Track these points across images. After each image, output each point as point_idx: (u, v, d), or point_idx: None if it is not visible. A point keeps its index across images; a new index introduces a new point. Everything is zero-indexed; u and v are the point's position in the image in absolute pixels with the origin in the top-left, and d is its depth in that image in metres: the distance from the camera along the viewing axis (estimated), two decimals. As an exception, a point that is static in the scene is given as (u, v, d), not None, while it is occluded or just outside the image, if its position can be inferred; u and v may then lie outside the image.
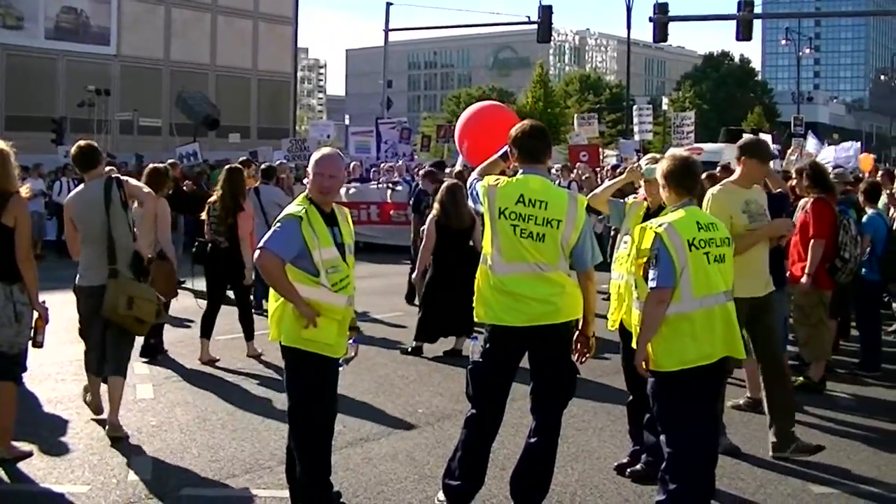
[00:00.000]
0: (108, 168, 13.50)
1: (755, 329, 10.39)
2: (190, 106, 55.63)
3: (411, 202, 21.19)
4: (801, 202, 13.90)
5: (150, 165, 15.90)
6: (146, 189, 12.14)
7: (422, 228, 17.77)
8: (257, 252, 7.96)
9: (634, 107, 52.11)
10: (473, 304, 8.51)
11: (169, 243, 14.73)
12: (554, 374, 8.37)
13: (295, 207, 8.16)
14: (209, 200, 15.76)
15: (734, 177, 10.73)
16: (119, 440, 10.76)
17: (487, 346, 8.40)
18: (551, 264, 8.21)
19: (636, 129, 47.06)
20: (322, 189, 8.23)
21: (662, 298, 7.83)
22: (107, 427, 10.94)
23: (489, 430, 8.48)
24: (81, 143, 11.63)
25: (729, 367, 8.53)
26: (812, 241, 12.85)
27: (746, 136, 12.41)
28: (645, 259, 8.00)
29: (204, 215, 15.83)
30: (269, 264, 7.91)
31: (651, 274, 7.87)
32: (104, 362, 11.15)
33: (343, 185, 9.21)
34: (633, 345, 8.30)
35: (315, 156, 8.46)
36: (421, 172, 22.99)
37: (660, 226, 7.90)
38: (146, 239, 13.08)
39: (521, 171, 8.42)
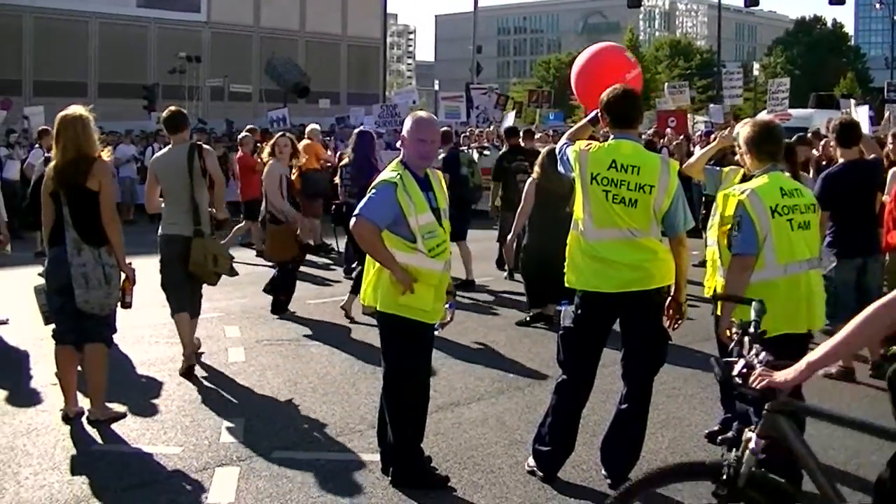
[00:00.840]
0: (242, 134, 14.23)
1: None
2: (280, 73, 56.04)
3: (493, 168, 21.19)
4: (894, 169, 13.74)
5: (277, 135, 16.98)
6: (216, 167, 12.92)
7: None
8: (353, 220, 7.97)
9: (724, 71, 51.62)
10: (565, 270, 8.47)
11: (282, 207, 15.42)
12: (645, 340, 8.32)
13: (389, 173, 8.17)
14: (341, 164, 16.21)
15: None
16: (200, 355, 12.80)
17: (579, 311, 8.33)
18: (643, 230, 8.14)
19: (725, 93, 46.61)
20: (422, 154, 8.26)
21: (745, 265, 7.78)
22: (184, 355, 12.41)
23: (580, 396, 8.45)
24: (172, 108, 12.81)
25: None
26: None
27: None
28: (728, 226, 7.94)
29: (337, 178, 16.46)
30: (365, 231, 7.93)
31: (734, 241, 7.82)
32: (187, 302, 12.42)
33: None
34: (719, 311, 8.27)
35: (415, 121, 8.43)
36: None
37: (742, 192, 7.83)
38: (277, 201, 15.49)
39: (612, 136, 8.35)
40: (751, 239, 7.70)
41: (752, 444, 5.22)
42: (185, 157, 12.15)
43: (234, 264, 12.70)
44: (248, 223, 22.32)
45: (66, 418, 10.12)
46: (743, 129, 8.42)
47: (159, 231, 12.45)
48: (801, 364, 5.05)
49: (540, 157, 15.28)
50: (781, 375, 5.09)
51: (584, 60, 9.84)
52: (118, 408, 10.40)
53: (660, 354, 8.45)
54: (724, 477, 5.20)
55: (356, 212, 7.98)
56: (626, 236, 8.11)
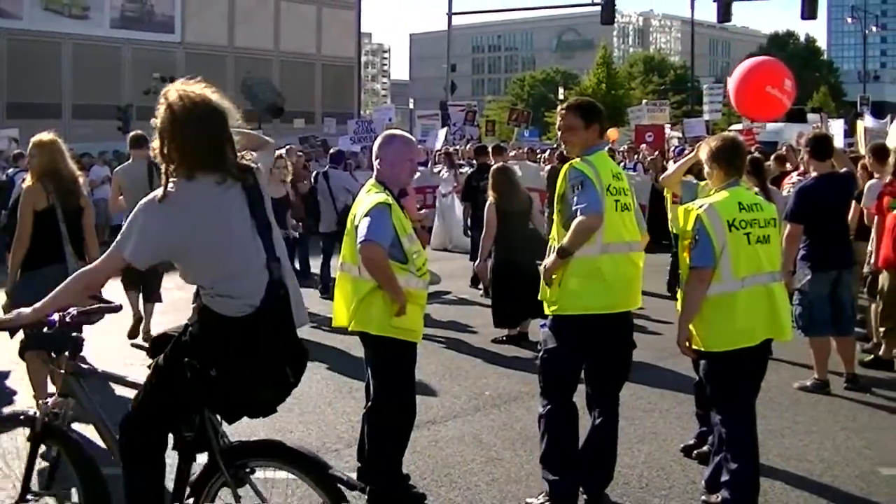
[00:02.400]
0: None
1: None
2: (255, 93, 55.97)
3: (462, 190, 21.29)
4: (870, 182, 13.87)
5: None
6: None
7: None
8: (364, 244, 7.80)
9: (705, 85, 51.92)
10: (552, 298, 8.20)
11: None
12: (622, 356, 8.35)
13: (379, 195, 8.10)
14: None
15: None
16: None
17: (569, 336, 8.15)
18: (636, 242, 8.23)
19: (706, 108, 46.88)
20: (412, 173, 8.33)
21: (702, 278, 7.83)
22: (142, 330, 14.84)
23: (573, 419, 8.33)
24: (136, 132, 15.45)
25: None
26: None
27: None
28: (689, 240, 7.99)
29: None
30: (378, 255, 7.80)
31: (691, 254, 7.89)
32: (143, 292, 14.93)
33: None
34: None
35: (405, 142, 8.52)
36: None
37: (700, 207, 7.91)
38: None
39: (595, 146, 8.29)
40: (707, 252, 7.75)
41: (49, 401, 6.55)
42: (146, 171, 14.40)
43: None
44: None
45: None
46: (708, 144, 8.44)
47: None
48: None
49: (491, 179, 15.30)
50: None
51: (740, 72, 9.94)
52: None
53: (629, 368, 8.51)
54: (34, 424, 6.48)
55: (365, 237, 7.80)
56: (625, 251, 8.13)
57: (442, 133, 37.70)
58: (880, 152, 14.25)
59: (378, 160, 8.35)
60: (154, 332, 13.60)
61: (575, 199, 7.83)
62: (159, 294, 15.20)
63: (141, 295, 15.09)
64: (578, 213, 7.75)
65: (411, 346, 8.23)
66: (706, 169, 8.37)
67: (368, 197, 8.14)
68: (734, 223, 7.84)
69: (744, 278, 7.84)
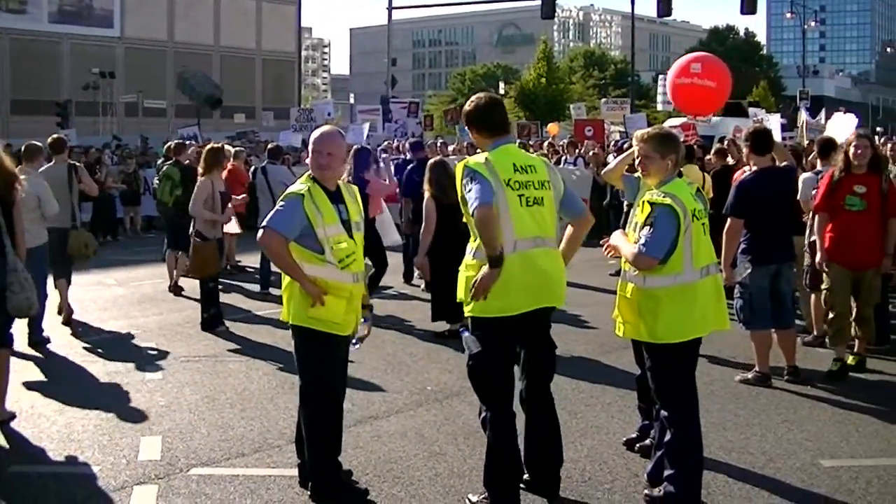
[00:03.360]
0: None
1: None
2: (192, 86, 55.82)
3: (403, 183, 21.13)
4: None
5: (210, 146, 17.54)
6: (89, 180, 17.68)
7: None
8: (260, 231, 8.00)
9: (660, 77, 52.42)
10: (473, 299, 7.97)
11: (205, 216, 15.94)
12: (548, 350, 8.32)
13: (297, 186, 8.24)
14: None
15: None
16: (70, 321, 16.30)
17: (492, 337, 7.95)
18: (550, 237, 8.03)
19: (660, 98, 47.26)
20: (320, 166, 8.24)
21: (648, 266, 7.85)
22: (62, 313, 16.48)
23: (512, 425, 8.10)
24: (55, 135, 17.01)
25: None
26: (891, 219, 12.59)
27: None
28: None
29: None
30: (273, 242, 7.95)
31: (649, 240, 7.79)
32: (64, 273, 16.47)
33: (345, 162, 9.04)
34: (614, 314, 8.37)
35: (314, 134, 8.56)
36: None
37: (664, 196, 7.82)
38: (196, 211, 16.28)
39: (492, 143, 8.15)
40: (664, 244, 7.73)
41: None
42: (66, 173, 16.25)
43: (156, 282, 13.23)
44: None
45: None
46: (645, 137, 8.36)
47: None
48: None
49: (427, 174, 15.22)
50: None
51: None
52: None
53: (554, 360, 8.46)
54: None
55: (263, 223, 8.01)
56: (530, 247, 7.89)
57: (365, 128, 37.66)
58: (825, 148, 14.24)
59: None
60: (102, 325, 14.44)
61: (467, 196, 7.79)
62: (71, 275, 16.72)
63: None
64: (472, 213, 7.69)
65: (334, 338, 8.21)
66: (645, 162, 8.27)
67: (290, 188, 8.35)
68: (695, 213, 7.87)
69: (701, 269, 7.88)
